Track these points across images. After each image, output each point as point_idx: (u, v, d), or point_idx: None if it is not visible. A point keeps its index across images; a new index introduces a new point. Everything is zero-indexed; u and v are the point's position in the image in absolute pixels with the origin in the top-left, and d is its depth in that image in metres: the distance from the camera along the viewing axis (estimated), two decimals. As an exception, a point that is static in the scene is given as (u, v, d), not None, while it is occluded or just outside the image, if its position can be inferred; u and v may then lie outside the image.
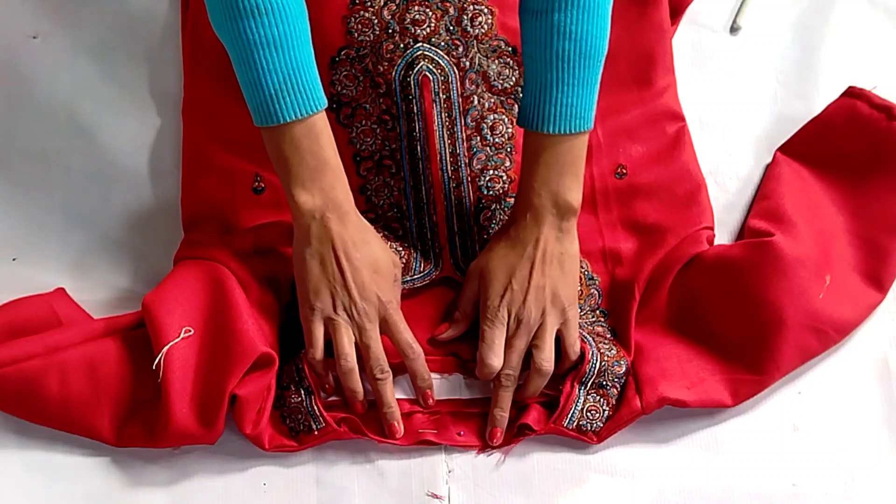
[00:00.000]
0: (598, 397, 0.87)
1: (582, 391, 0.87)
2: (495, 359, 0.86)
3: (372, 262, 0.85)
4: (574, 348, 0.87)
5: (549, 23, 0.81)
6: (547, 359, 0.86)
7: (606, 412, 0.87)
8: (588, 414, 0.87)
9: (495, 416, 0.87)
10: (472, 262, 0.90)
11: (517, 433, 0.88)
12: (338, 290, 0.84)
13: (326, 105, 0.83)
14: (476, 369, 0.87)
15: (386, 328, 0.86)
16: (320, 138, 0.83)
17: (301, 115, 0.81)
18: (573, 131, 0.84)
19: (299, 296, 0.86)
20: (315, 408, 0.86)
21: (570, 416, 0.87)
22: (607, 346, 0.89)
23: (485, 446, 0.88)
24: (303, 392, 0.86)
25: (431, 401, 0.88)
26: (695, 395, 0.87)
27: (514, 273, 0.86)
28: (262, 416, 0.85)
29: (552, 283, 0.86)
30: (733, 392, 0.88)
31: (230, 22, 0.79)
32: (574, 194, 0.85)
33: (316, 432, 0.86)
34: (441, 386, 0.90)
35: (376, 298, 0.85)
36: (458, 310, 0.91)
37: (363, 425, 0.86)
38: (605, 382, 0.87)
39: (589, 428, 0.87)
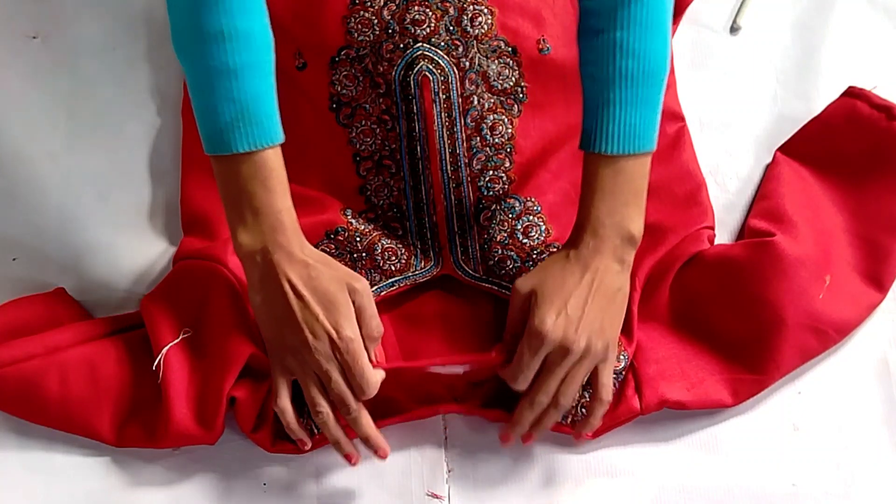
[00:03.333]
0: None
1: None
2: (523, 382, 0.81)
3: (324, 298, 0.79)
4: (607, 389, 0.83)
5: (611, 41, 0.79)
6: (570, 394, 0.82)
7: None
8: (584, 410, 0.87)
9: (512, 429, 0.84)
10: (518, 280, 0.83)
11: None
12: (292, 332, 0.79)
13: (282, 140, 0.80)
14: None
15: (344, 363, 0.80)
16: (269, 180, 0.79)
17: (254, 147, 0.78)
18: (636, 151, 0.80)
19: (266, 344, 0.83)
20: None
21: None
22: None
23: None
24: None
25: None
26: (694, 395, 0.87)
27: (569, 298, 0.80)
28: (265, 418, 0.85)
29: (602, 319, 0.81)
30: (733, 392, 0.88)
31: (194, 45, 0.77)
32: (637, 225, 0.82)
33: (317, 435, 0.86)
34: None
35: (334, 335, 0.79)
36: (507, 331, 0.85)
37: None
38: None
39: (584, 428, 0.86)
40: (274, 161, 0.79)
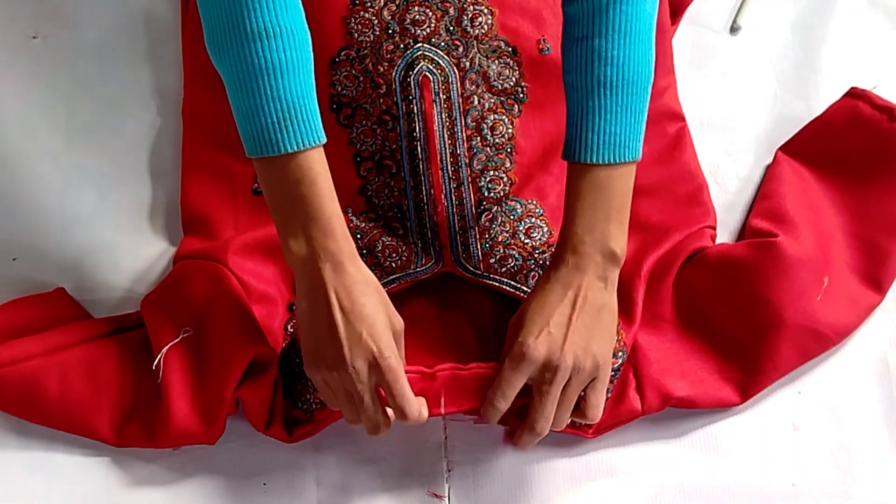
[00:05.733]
0: None
1: None
2: (503, 402, 0.79)
3: (367, 320, 0.77)
4: (596, 411, 0.81)
5: (590, 48, 0.78)
6: (563, 419, 0.80)
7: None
8: (580, 409, 0.86)
9: (514, 448, 0.83)
10: (510, 318, 0.82)
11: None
12: (333, 347, 0.77)
13: (325, 141, 0.78)
14: (481, 408, 0.82)
15: (382, 385, 0.78)
16: (315, 183, 0.76)
17: (301, 146, 0.75)
18: (618, 161, 0.79)
19: (303, 353, 0.81)
20: None
21: None
22: None
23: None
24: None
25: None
26: (695, 395, 0.87)
27: (552, 315, 0.79)
28: (275, 413, 0.86)
29: (588, 337, 0.79)
30: (733, 392, 0.88)
31: (235, 45, 0.75)
32: (620, 242, 0.80)
33: (325, 410, 0.85)
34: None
35: (375, 353, 0.77)
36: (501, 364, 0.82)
37: None
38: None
39: (583, 422, 0.86)
40: (319, 163, 0.77)
